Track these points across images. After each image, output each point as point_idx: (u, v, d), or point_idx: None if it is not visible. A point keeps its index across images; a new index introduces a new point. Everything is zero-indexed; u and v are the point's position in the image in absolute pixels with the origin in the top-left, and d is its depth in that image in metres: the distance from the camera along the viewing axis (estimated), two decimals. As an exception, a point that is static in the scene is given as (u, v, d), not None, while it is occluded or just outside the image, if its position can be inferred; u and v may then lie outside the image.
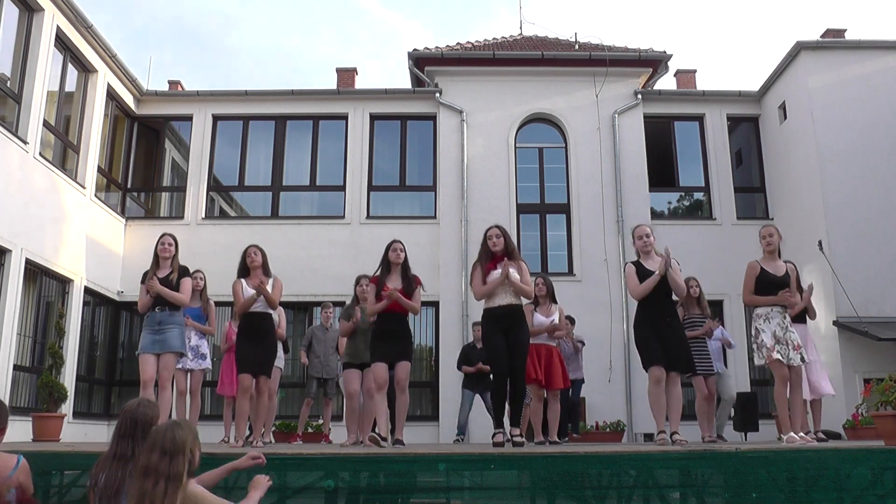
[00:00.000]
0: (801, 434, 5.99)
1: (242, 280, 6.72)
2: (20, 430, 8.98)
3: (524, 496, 4.85)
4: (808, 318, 7.76)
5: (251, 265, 6.71)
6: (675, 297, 6.54)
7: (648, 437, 12.03)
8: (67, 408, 10.48)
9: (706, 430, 7.80)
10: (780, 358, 5.98)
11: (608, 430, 11.25)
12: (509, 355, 5.92)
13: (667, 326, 6.16)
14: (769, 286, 6.14)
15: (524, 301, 6.32)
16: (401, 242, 6.55)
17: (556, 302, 7.58)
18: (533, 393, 7.33)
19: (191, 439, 3.23)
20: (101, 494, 3.49)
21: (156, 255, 6.67)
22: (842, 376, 11.56)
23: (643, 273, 6.26)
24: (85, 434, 11.52)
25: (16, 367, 10.24)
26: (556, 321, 7.38)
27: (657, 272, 6.11)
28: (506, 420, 6.24)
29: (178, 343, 6.50)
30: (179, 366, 7.53)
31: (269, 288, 6.63)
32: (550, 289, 7.55)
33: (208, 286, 8.30)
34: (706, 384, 7.89)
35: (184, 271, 6.68)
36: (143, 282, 6.62)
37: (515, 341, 5.93)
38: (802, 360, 6.07)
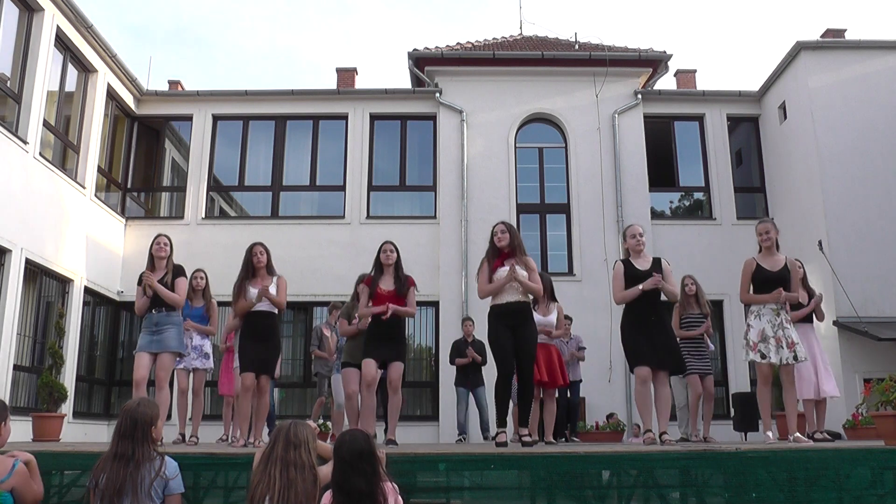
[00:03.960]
0: (798, 434, 5.89)
1: (248, 284, 6.49)
2: (20, 430, 8.97)
3: (524, 496, 4.85)
4: (815, 319, 7.62)
5: (257, 265, 6.54)
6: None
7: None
8: (67, 408, 10.49)
9: (695, 428, 7.80)
10: (761, 356, 5.93)
11: (608, 429, 11.26)
12: (515, 354, 5.85)
13: (654, 325, 6.08)
14: (766, 282, 6.07)
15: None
16: (392, 243, 6.51)
17: (555, 300, 7.52)
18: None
19: (310, 436, 3.50)
20: (101, 495, 3.49)
21: (151, 256, 6.63)
22: (842, 376, 11.55)
23: (632, 273, 6.19)
24: (85, 434, 11.52)
25: (16, 367, 10.24)
26: (554, 321, 7.36)
27: (641, 286, 6.03)
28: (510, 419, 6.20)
29: (175, 343, 6.47)
30: (182, 365, 7.51)
31: (273, 289, 6.48)
32: (550, 287, 7.49)
33: (209, 286, 8.25)
34: (703, 383, 7.80)
35: (178, 271, 6.62)
36: (139, 283, 6.58)
37: (523, 339, 5.84)
38: (795, 358, 5.94)
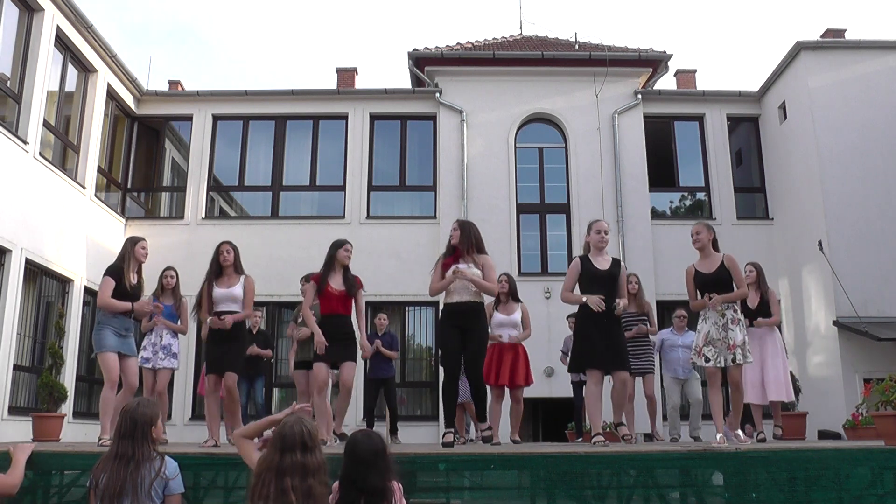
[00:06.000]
0: (740, 433, 5.91)
1: (214, 284, 6.50)
2: (20, 430, 8.99)
3: (524, 496, 4.85)
4: (776, 321, 7.48)
5: (223, 264, 6.51)
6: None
7: (648, 437, 11.99)
8: (67, 408, 10.48)
9: (653, 427, 7.84)
10: (705, 360, 5.89)
11: (608, 430, 11.24)
12: (465, 353, 5.82)
13: (606, 328, 6.05)
14: (704, 285, 6.05)
15: (488, 299, 6.22)
16: (351, 244, 6.58)
17: (518, 301, 7.47)
18: (492, 393, 7.26)
19: (315, 428, 3.38)
20: (101, 495, 3.49)
21: (133, 259, 6.53)
22: (842, 376, 11.56)
23: (590, 272, 6.13)
24: (85, 434, 11.50)
25: (16, 367, 10.24)
26: (519, 319, 7.33)
27: (585, 299, 5.97)
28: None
29: (136, 348, 6.68)
30: (149, 365, 7.44)
31: (240, 288, 6.47)
32: (513, 287, 7.44)
33: (179, 284, 8.14)
34: (644, 383, 7.78)
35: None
36: (117, 280, 6.44)
37: (472, 338, 5.81)
38: (734, 360, 5.86)
